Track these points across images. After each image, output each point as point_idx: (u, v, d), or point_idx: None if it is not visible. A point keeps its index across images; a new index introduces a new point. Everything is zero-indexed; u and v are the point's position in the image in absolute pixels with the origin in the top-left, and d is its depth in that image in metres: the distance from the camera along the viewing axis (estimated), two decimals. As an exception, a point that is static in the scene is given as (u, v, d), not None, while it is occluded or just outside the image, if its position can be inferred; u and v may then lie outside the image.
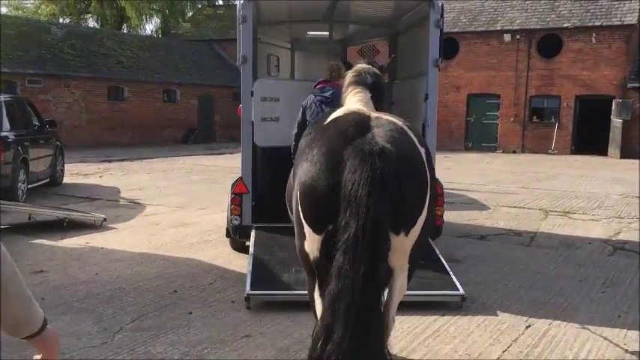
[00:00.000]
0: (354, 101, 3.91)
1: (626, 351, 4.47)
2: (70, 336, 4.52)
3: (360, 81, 4.04)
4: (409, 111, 7.57)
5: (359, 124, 3.21)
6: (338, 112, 3.56)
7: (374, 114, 3.46)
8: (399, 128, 3.29)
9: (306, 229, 3.17)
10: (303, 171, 3.18)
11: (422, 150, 3.38)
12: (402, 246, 3.17)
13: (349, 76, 4.16)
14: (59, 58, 24.54)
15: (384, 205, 2.84)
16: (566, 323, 5.03)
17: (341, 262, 2.80)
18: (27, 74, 22.23)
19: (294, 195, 3.31)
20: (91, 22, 39.48)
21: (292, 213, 3.45)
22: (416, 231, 3.21)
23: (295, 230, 3.38)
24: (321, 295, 3.17)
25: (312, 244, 3.16)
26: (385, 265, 3.01)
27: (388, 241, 2.96)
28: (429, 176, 3.31)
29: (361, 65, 4.31)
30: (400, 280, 3.36)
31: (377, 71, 4.31)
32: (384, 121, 3.31)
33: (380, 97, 4.06)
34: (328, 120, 3.48)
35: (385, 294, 3.24)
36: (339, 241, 2.83)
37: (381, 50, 16.62)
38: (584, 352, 4.44)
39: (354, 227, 2.79)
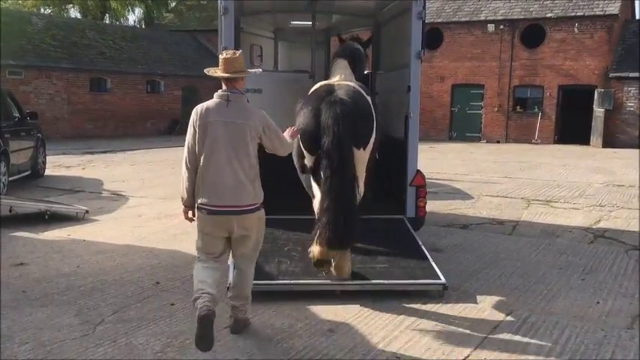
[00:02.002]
0: (336, 67, 6.07)
1: (605, 337, 4.54)
2: (51, 328, 4.50)
3: (340, 52, 6.32)
4: (392, 102, 7.58)
5: (328, 90, 5.34)
6: (316, 86, 5.70)
7: (337, 83, 5.52)
8: (353, 88, 5.42)
9: (306, 154, 5.29)
10: (300, 122, 5.25)
11: (369, 98, 5.50)
12: (362, 157, 5.22)
13: (336, 50, 6.42)
14: (40, 49, 24.21)
15: (343, 129, 4.89)
16: (545, 310, 5.10)
17: (324, 164, 4.94)
18: (7, 65, 21.89)
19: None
20: (73, 13, 39.01)
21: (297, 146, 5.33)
22: (369, 147, 5.27)
23: (297, 154, 5.38)
24: (315, 181, 5.29)
25: (309, 161, 5.28)
26: (352, 169, 5.01)
27: (351, 152, 5.02)
28: (373, 112, 5.40)
29: (346, 43, 6.72)
30: (360, 184, 5.25)
31: (357, 45, 6.55)
32: (343, 85, 5.45)
33: (356, 62, 6.23)
34: (311, 91, 5.63)
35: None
36: (322, 153, 4.96)
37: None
38: (564, 338, 4.50)
39: (327, 142, 4.90)
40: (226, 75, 4.16)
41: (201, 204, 4.15)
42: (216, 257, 4.29)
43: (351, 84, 5.51)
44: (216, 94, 4.21)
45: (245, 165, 4.13)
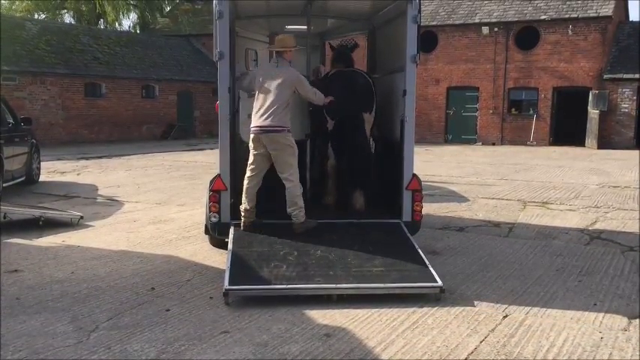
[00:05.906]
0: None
1: (602, 339, 4.52)
2: (45, 336, 4.46)
3: (338, 58, 7.73)
4: (388, 106, 7.57)
5: (345, 73, 7.35)
6: (333, 70, 7.54)
7: (351, 70, 7.45)
8: (360, 71, 7.50)
9: (329, 119, 7.01)
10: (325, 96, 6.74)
11: (370, 80, 7.31)
12: (370, 119, 7.13)
13: (333, 56, 7.88)
14: (34, 54, 24.16)
15: (352, 102, 6.91)
16: (542, 312, 5.08)
17: (347, 125, 6.95)
18: (1, 71, 21.82)
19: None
20: (67, 18, 38.94)
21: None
22: (373, 112, 7.16)
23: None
24: (331, 144, 7.17)
25: (331, 125, 7.04)
26: (363, 129, 7.04)
27: (362, 115, 7.02)
28: (374, 89, 7.21)
29: (338, 49, 8.09)
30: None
31: (347, 51, 7.95)
32: (355, 70, 7.49)
33: (348, 60, 7.60)
34: (330, 74, 7.51)
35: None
36: (344, 117, 6.93)
37: (361, 44, 16.53)
38: (560, 340, 4.49)
39: (342, 110, 6.87)
40: (277, 49, 6.39)
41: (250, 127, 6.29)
42: (254, 170, 6.20)
43: (359, 70, 7.50)
44: (271, 60, 6.57)
45: (277, 104, 6.06)
